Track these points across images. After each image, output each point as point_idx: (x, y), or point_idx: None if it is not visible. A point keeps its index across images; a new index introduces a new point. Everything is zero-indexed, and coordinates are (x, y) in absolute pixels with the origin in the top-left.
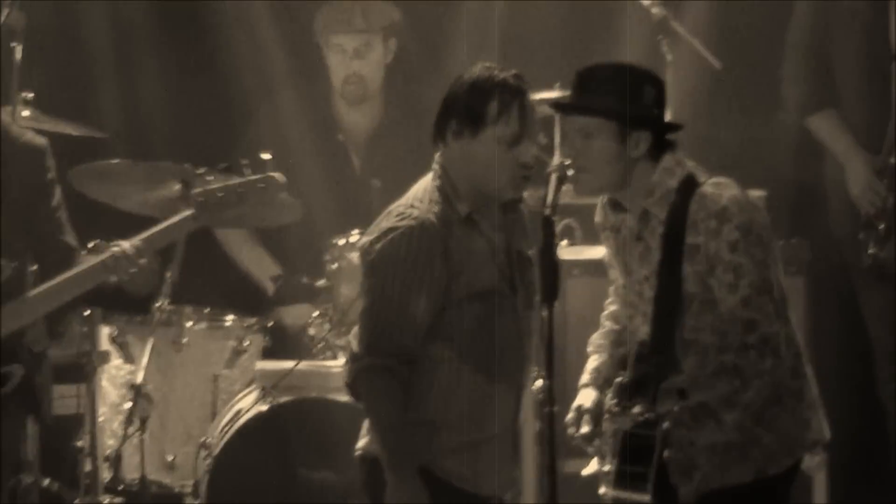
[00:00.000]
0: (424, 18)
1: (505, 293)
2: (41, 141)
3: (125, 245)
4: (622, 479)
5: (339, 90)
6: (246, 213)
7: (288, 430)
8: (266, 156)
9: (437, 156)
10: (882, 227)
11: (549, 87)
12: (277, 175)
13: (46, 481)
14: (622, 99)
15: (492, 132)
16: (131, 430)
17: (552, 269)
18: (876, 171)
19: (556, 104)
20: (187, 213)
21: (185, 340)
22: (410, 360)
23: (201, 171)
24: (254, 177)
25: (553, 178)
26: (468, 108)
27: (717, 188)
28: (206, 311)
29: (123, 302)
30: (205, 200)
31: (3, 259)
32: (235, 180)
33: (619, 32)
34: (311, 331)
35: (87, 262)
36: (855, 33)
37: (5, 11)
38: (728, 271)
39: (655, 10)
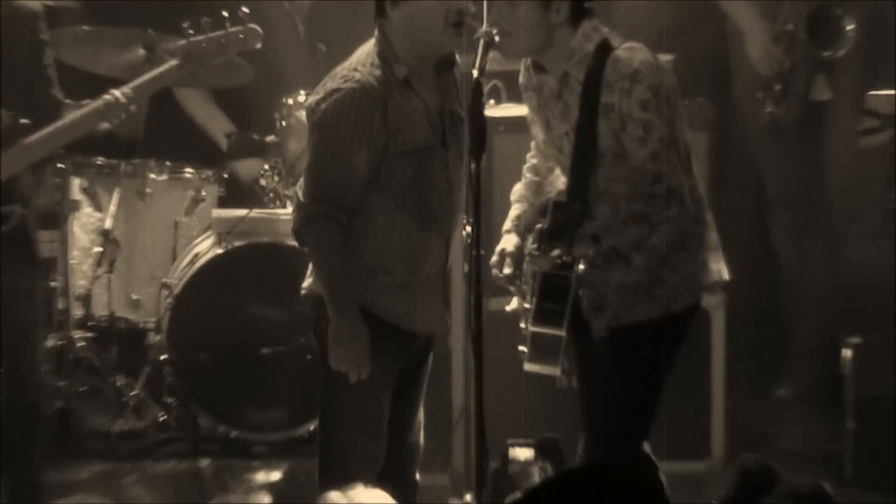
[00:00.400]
0: None
1: (437, 149)
2: (37, 6)
3: (117, 93)
4: (541, 315)
5: None
6: (214, 71)
7: (241, 272)
8: (245, 10)
9: (377, 22)
10: (779, 87)
11: None
12: (255, 26)
13: None
14: None
15: None
16: (100, 271)
17: (480, 126)
18: (773, 37)
19: None
20: (174, 62)
21: (148, 191)
22: (351, 210)
23: (186, 24)
24: (234, 28)
25: (481, 43)
26: None
27: (630, 52)
28: (168, 164)
29: (111, 148)
30: (189, 51)
31: (2, 110)
32: (218, 32)
33: None
34: (262, 182)
35: (81, 109)
36: None
37: None
38: (638, 127)
39: None
